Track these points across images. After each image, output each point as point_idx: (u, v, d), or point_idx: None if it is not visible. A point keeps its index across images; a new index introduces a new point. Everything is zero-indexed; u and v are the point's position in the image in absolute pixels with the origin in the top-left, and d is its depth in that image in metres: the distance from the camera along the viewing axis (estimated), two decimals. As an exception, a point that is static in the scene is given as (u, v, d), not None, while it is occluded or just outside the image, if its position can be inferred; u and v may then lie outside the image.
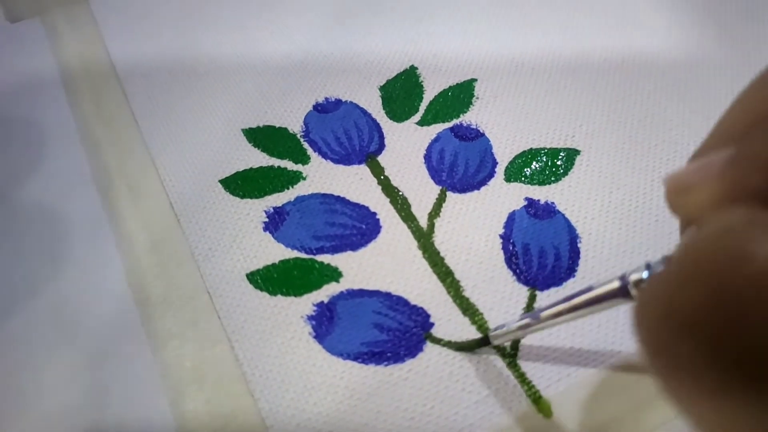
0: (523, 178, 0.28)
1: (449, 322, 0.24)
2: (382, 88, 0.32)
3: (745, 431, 0.10)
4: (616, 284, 0.16)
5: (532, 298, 0.24)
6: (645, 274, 0.15)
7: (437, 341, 0.23)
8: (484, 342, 0.22)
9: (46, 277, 0.26)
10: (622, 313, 0.23)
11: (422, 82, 0.33)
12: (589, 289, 0.17)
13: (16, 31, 0.38)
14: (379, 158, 0.29)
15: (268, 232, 0.27)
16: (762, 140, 0.11)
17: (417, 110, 0.31)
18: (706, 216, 0.12)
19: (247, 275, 0.26)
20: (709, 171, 0.12)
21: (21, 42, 0.37)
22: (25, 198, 0.29)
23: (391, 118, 0.31)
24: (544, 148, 0.29)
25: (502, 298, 0.24)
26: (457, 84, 0.32)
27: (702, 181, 0.12)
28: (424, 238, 0.26)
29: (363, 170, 0.29)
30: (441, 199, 0.27)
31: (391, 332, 0.24)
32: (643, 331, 0.11)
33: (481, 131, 0.30)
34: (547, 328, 0.20)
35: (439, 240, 0.26)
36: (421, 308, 0.24)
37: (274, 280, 0.25)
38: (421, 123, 0.31)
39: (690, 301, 0.10)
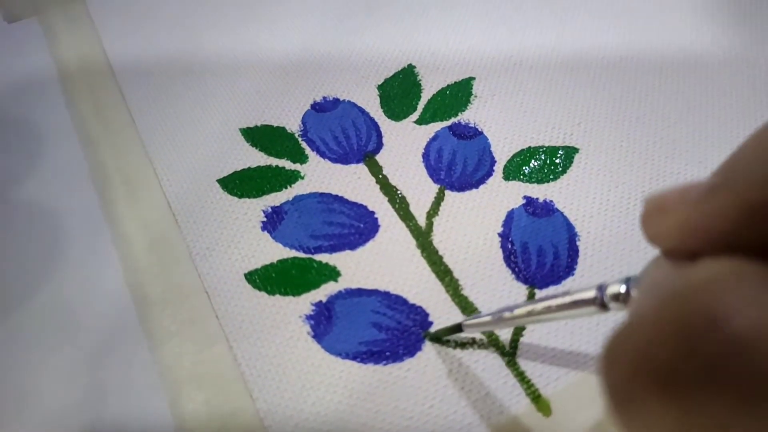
0: (521, 177, 0.28)
1: (448, 321, 0.24)
2: (380, 87, 0.32)
3: None
4: (592, 293, 0.16)
5: (531, 297, 0.24)
6: (623, 288, 0.15)
7: (436, 340, 0.23)
8: (455, 329, 0.22)
9: (43, 277, 0.26)
10: (620, 314, 0.23)
11: (420, 80, 0.32)
12: (566, 293, 0.17)
13: (14, 31, 0.37)
14: (377, 157, 0.29)
15: (266, 232, 0.27)
16: (745, 179, 0.11)
17: (415, 109, 0.31)
18: (686, 263, 0.11)
19: (246, 275, 0.25)
20: (687, 196, 0.12)
21: (18, 42, 0.37)
22: (23, 197, 0.29)
23: (389, 117, 0.31)
24: (542, 147, 0.29)
25: (500, 296, 0.24)
26: (455, 82, 0.32)
27: (678, 204, 0.12)
28: (423, 237, 0.26)
29: (361, 169, 0.29)
30: (439, 198, 0.27)
31: (389, 331, 0.23)
32: (610, 380, 0.11)
33: (480, 130, 0.30)
34: (521, 325, 0.19)
35: (438, 239, 0.26)
36: (420, 307, 0.24)
37: (272, 279, 0.25)
38: (420, 122, 0.31)
39: (661, 358, 0.10)
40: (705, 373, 0.09)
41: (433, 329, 0.23)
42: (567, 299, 0.17)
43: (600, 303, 0.16)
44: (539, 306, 0.18)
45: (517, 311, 0.19)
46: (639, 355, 0.10)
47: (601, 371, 0.11)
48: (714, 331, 0.09)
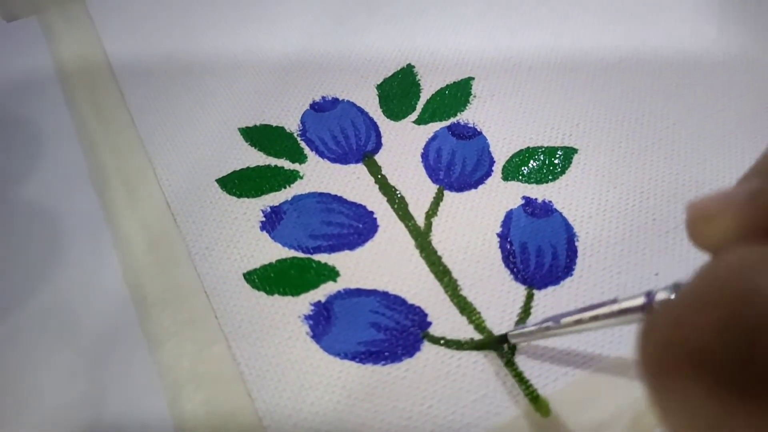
0: (520, 177, 0.28)
1: (447, 321, 0.24)
2: (379, 87, 0.32)
3: None
4: (641, 300, 0.16)
5: (529, 297, 0.24)
6: (673, 295, 0.15)
7: (435, 340, 0.23)
8: (502, 340, 0.23)
9: (43, 277, 0.26)
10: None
11: (419, 80, 0.33)
12: (614, 301, 0.17)
13: (13, 30, 0.37)
14: (376, 157, 0.29)
15: (265, 232, 0.27)
16: None
17: (414, 109, 0.31)
18: (722, 249, 0.12)
19: (245, 275, 0.25)
20: (732, 201, 0.12)
21: (18, 41, 0.37)
22: (22, 197, 0.29)
23: (388, 117, 0.31)
24: (541, 147, 0.29)
25: (499, 296, 0.24)
26: (455, 82, 0.32)
27: (723, 211, 0.12)
28: (422, 237, 0.26)
29: (360, 169, 0.29)
30: (438, 198, 0.27)
31: (388, 331, 0.24)
32: (647, 353, 0.11)
33: (479, 130, 0.30)
34: (566, 334, 0.20)
35: (437, 239, 0.26)
36: (419, 307, 0.24)
37: (271, 279, 0.25)
38: (419, 121, 0.31)
39: (699, 328, 0.10)
40: (744, 339, 0.10)
41: (431, 329, 0.24)
42: (615, 307, 0.17)
43: (649, 310, 0.16)
44: (587, 315, 0.18)
45: (564, 321, 0.19)
46: (678, 325, 0.11)
47: (639, 344, 0.12)
48: (751, 301, 0.10)
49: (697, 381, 0.10)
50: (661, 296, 0.15)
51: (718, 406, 0.10)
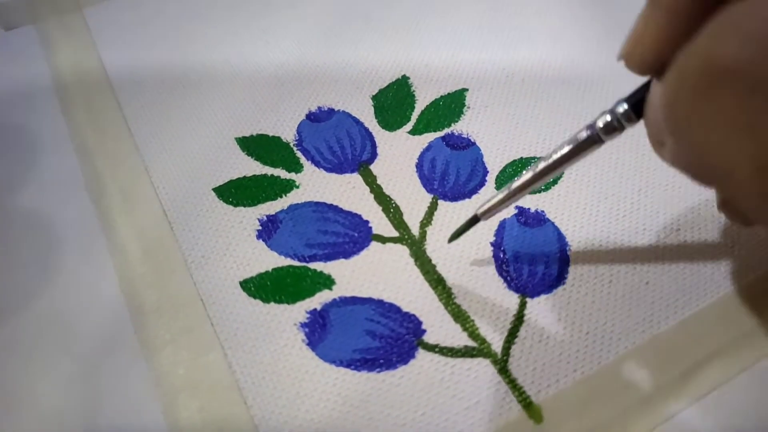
0: (513, 187, 0.28)
1: (441, 329, 0.24)
2: (375, 98, 0.33)
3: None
4: (585, 134, 0.19)
5: (522, 305, 0.24)
6: (608, 117, 0.18)
7: (429, 348, 0.24)
8: (473, 221, 0.24)
9: (39, 286, 0.26)
10: (609, 322, 0.24)
11: (414, 91, 0.33)
12: (562, 147, 0.20)
13: (11, 39, 0.38)
14: (372, 167, 0.30)
15: (261, 240, 0.27)
16: None
17: (409, 119, 0.32)
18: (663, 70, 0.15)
19: (241, 283, 0.26)
20: (641, 15, 0.16)
21: (15, 50, 0.37)
22: (18, 206, 0.29)
23: (383, 127, 0.31)
24: (534, 158, 0.30)
25: (493, 304, 0.25)
26: (449, 94, 0.33)
27: (644, 22, 0.16)
28: (416, 246, 0.27)
29: (355, 179, 0.29)
30: (433, 208, 0.28)
31: (383, 339, 0.24)
32: (684, 89, 0.14)
33: (472, 140, 0.30)
34: (532, 190, 0.22)
35: (431, 248, 0.26)
36: (413, 315, 0.24)
37: (267, 287, 0.25)
38: (413, 132, 0.31)
39: (728, 50, 0.13)
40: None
41: (426, 337, 0.24)
42: (566, 150, 0.20)
43: (596, 139, 0.19)
44: (545, 165, 0.20)
45: (524, 178, 0.21)
46: (709, 53, 0.14)
47: (676, 79, 0.15)
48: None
49: (734, 88, 0.13)
50: (601, 122, 0.19)
51: (755, 102, 0.13)
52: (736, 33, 0.13)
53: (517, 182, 0.22)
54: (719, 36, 0.13)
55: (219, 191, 0.29)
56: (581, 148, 0.19)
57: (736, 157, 0.14)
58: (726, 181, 0.15)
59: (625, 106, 0.18)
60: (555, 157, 0.20)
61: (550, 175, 0.21)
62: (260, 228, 0.27)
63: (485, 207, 0.23)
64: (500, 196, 0.22)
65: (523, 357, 0.23)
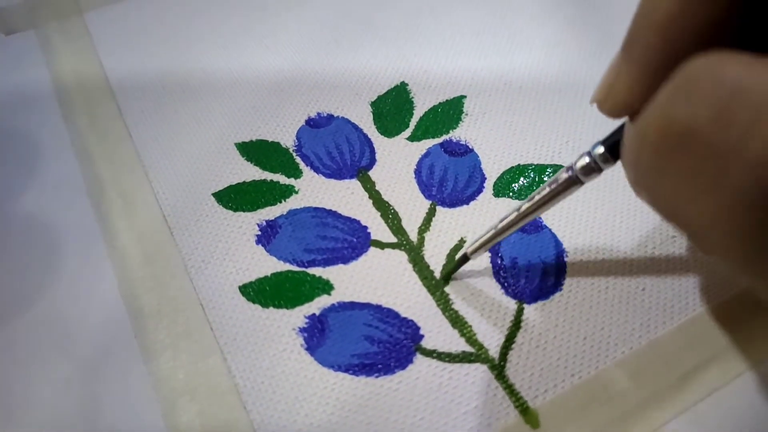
0: (511, 194, 0.29)
1: (439, 334, 0.24)
2: (373, 104, 0.33)
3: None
4: (565, 175, 0.20)
5: (519, 311, 0.25)
6: (587, 159, 0.19)
7: (427, 353, 0.24)
8: (464, 260, 0.25)
9: (39, 289, 0.27)
10: (606, 328, 0.24)
11: (413, 98, 0.33)
12: (543, 188, 0.21)
13: (11, 44, 0.38)
14: (371, 173, 0.30)
15: (260, 245, 0.27)
16: (639, 25, 0.15)
17: (407, 126, 0.32)
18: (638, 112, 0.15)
19: (240, 288, 0.26)
20: (613, 64, 0.16)
21: (16, 54, 0.37)
22: (19, 210, 0.30)
23: (382, 134, 0.32)
24: (531, 164, 0.30)
25: (490, 310, 0.25)
26: (447, 100, 0.33)
27: (615, 72, 0.16)
28: (414, 252, 0.27)
29: (354, 185, 0.29)
30: (431, 214, 0.28)
31: (381, 344, 0.24)
32: (645, 147, 0.14)
33: (470, 147, 0.31)
34: (517, 228, 0.22)
35: (429, 253, 0.27)
36: (411, 320, 0.25)
37: (266, 292, 0.26)
38: (412, 138, 0.31)
39: (684, 111, 0.13)
40: (733, 134, 0.12)
41: (424, 342, 0.24)
42: (546, 192, 0.20)
43: (575, 181, 0.19)
44: (527, 206, 0.21)
45: (509, 218, 0.22)
46: (668, 116, 0.13)
47: (630, 145, 0.15)
48: (736, 98, 0.12)
49: (692, 150, 0.13)
50: (580, 164, 0.19)
51: (711, 167, 0.13)
52: (694, 94, 0.13)
53: (503, 222, 0.22)
54: (677, 96, 0.13)
55: (219, 196, 0.29)
56: (562, 188, 0.20)
57: (697, 216, 0.14)
58: (686, 231, 0.15)
59: (602, 149, 0.18)
60: (537, 198, 0.21)
61: (533, 214, 0.21)
62: (259, 233, 0.28)
63: (474, 246, 0.24)
64: (488, 235, 0.23)
65: (521, 362, 0.23)
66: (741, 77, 0.12)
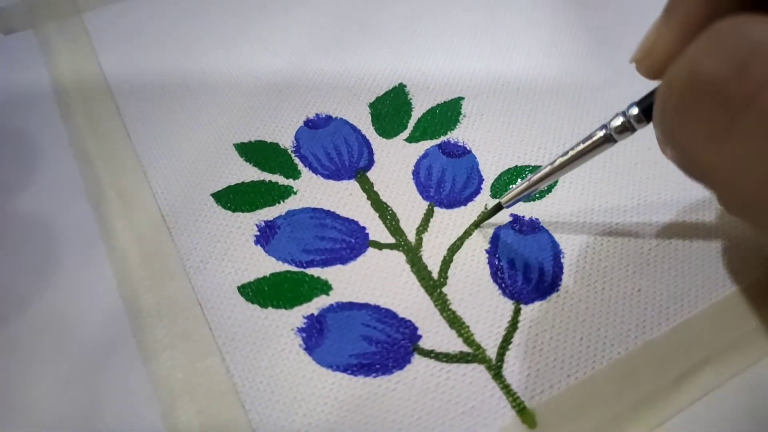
0: (508, 195, 0.29)
1: (436, 335, 0.24)
2: (372, 105, 0.33)
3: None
4: (600, 133, 0.21)
5: (516, 312, 0.25)
6: (621, 119, 0.20)
7: (425, 353, 0.24)
8: (497, 208, 0.26)
9: (37, 289, 0.27)
10: (602, 329, 0.24)
11: (411, 99, 0.33)
12: (578, 144, 0.22)
13: (10, 43, 0.38)
14: (369, 174, 0.30)
15: (259, 246, 0.27)
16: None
17: (405, 127, 0.32)
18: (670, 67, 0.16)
19: (239, 288, 0.26)
20: (654, 25, 0.17)
21: (14, 54, 0.37)
22: (17, 210, 0.30)
23: (380, 135, 0.32)
24: (529, 166, 0.30)
25: (488, 311, 0.25)
26: (445, 102, 0.33)
27: (656, 32, 0.17)
28: (412, 253, 0.27)
29: (353, 185, 0.29)
30: (429, 215, 0.28)
31: (379, 344, 0.24)
32: (671, 98, 0.16)
33: (468, 148, 0.31)
34: (550, 181, 0.24)
35: (427, 254, 0.27)
36: (409, 321, 0.25)
37: (265, 292, 0.26)
38: (410, 140, 0.31)
39: (708, 64, 0.14)
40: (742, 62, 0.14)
41: (421, 342, 0.24)
42: (582, 147, 0.22)
43: (609, 138, 0.21)
44: (562, 160, 0.23)
45: (543, 172, 0.24)
46: (691, 68, 0.15)
47: (662, 94, 0.16)
48: (742, 36, 0.14)
49: (711, 101, 0.14)
50: (614, 124, 0.20)
51: (727, 114, 0.14)
52: (718, 49, 0.14)
53: (537, 175, 0.24)
54: (703, 51, 0.15)
55: (217, 197, 0.29)
56: (595, 144, 0.21)
57: (715, 163, 0.15)
58: (709, 182, 0.17)
59: (636, 110, 0.20)
60: (571, 153, 0.22)
61: (566, 168, 0.23)
62: (258, 233, 0.28)
63: (508, 196, 0.25)
64: (522, 186, 0.25)
65: (518, 363, 0.23)
66: (762, 36, 0.13)
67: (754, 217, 0.16)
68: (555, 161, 0.23)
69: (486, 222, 0.27)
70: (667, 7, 0.17)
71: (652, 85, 0.19)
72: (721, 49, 0.14)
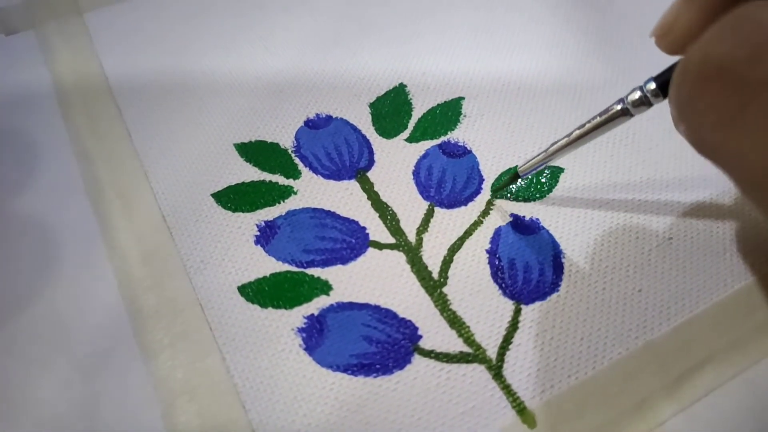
0: (508, 195, 0.29)
1: (437, 335, 0.24)
2: (372, 105, 0.33)
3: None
4: (617, 107, 0.21)
5: (517, 312, 0.25)
6: (638, 93, 0.20)
7: (425, 353, 0.24)
8: (515, 177, 0.27)
9: (38, 289, 0.27)
10: (603, 329, 0.24)
11: (411, 99, 0.33)
12: (595, 117, 0.22)
13: (11, 44, 0.38)
14: (369, 174, 0.30)
15: (259, 246, 0.27)
16: None
17: (406, 127, 0.32)
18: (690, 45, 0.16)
19: (239, 288, 0.26)
20: (676, 2, 0.18)
21: (15, 54, 0.37)
22: (18, 210, 0.30)
23: (380, 135, 0.32)
24: (529, 166, 0.30)
25: (488, 311, 0.25)
26: (445, 102, 0.33)
27: (677, 10, 0.17)
28: (413, 253, 0.27)
29: (353, 185, 0.29)
30: (429, 215, 0.28)
31: (379, 344, 0.24)
32: (687, 77, 0.16)
33: (468, 148, 0.31)
34: (568, 152, 0.24)
35: (427, 254, 0.27)
36: (410, 321, 0.25)
37: (265, 292, 0.26)
38: (410, 140, 0.31)
39: (724, 48, 0.15)
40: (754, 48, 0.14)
41: (422, 342, 0.24)
42: (600, 119, 0.22)
43: (625, 112, 0.21)
44: (578, 131, 0.23)
45: (561, 142, 0.24)
46: (706, 51, 0.15)
47: (679, 75, 0.16)
48: (757, 25, 0.14)
49: (724, 84, 0.15)
50: (632, 98, 0.21)
51: (738, 97, 0.14)
52: (736, 34, 0.14)
53: (554, 146, 0.24)
54: (721, 34, 0.15)
55: (218, 197, 0.29)
56: (612, 117, 0.22)
57: (724, 144, 0.16)
58: (719, 162, 0.17)
59: (653, 84, 0.20)
60: (587, 125, 0.23)
61: (582, 140, 0.23)
62: (258, 233, 0.28)
63: (525, 166, 0.26)
64: (538, 157, 0.25)
65: (518, 363, 0.23)
66: None
67: (760, 199, 0.16)
68: (572, 133, 0.23)
69: (486, 222, 0.27)
70: None
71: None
72: (739, 34, 0.14)
